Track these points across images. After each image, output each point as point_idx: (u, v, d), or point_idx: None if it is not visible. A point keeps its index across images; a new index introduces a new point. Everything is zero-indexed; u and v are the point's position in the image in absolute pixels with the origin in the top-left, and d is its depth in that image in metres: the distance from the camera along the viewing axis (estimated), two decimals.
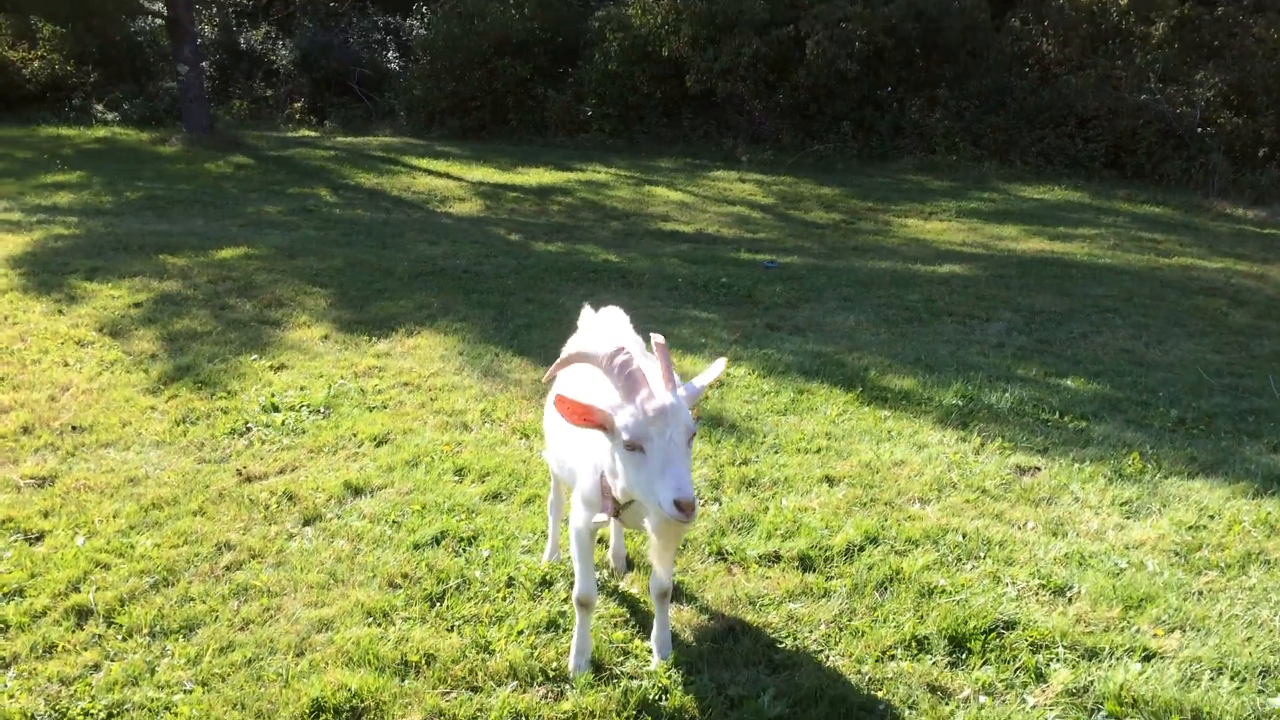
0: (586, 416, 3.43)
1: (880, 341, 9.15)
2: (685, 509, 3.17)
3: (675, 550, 3.76)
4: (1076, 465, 6.10)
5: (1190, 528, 5.26)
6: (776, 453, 6.22)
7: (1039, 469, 6.10)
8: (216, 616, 4.41)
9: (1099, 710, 3.74)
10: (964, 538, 5.10)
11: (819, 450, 6.27)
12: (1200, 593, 4.61)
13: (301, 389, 7.26)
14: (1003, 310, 10.54)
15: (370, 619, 4.37)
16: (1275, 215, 18.26)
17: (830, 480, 5.83)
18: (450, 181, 18.35)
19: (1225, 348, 9.52)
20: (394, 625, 4.31)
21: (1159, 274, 12.86)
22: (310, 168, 19.65)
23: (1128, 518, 5.46)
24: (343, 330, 8.80)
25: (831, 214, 16.81)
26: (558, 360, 3.61)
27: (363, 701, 3.77)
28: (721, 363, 3.71)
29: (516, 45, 24.77)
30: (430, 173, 19.19)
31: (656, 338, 3.65)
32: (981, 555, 4.94)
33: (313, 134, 25.80)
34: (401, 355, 8.17)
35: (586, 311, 4.80)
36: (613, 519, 3.77)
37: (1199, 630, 4.28)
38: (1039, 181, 20.20)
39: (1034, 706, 3.77)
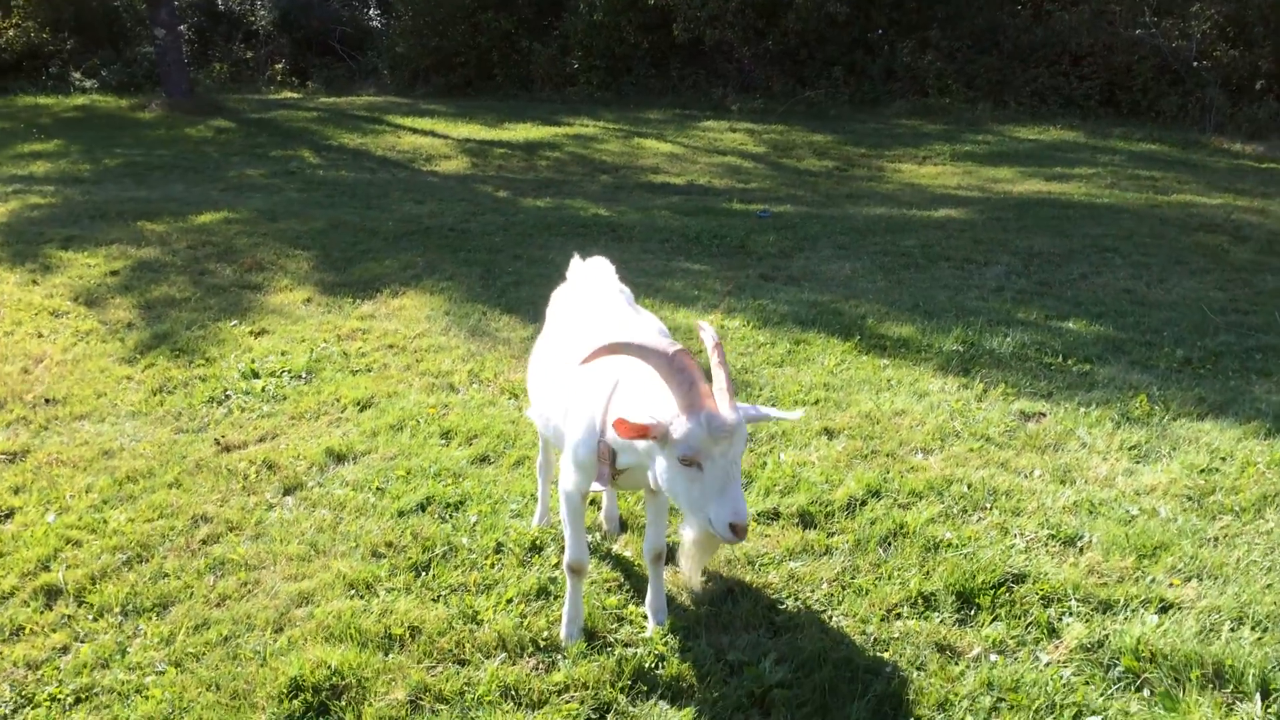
0: (643, 434, 3.13)
1: (877, 289, 8.93)
2: (740, 532, 3.02)
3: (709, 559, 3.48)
4: (1082, 409, 5.91)
5: (1202, 471, 5.08)
6: (774, 405, 6.02)
7: (1044, 414, 5.91)
8: (191, 593, 4.22)
9: (1115, 665, 3.57)
10: (969, 488, 4.91)
11: (817, 401, 6.08)
12: (1216, 539, 4.43)
13: (283, 354, 7.05)
14: (1001, 253, 10.33)
15: (352, 591, 4.18)
16: (1273, 149, 17.99)
17: (829, 432, 5.64)
18: (436, 139, 18.01)
19: (1228, 284, 9.33)
20: (377, 597, 4.12)
21: (1158, 212, 12.65)
22: (293, 130, 19.29)
23: (1137, 462, 5.27)
24: (325, 293, 8.57)
25: (824, 161, 16.53)
26: (605, 344, 3.26)
27: (344, 679, 3.59)
28: (798, 414, 3.47)
29: None
30: (415, 131, 18.84)
31: (708, 331, 3.39)
32: (988, 506, 4.76)
33: (295, 95, 25.36)
34: (386, 317, 7.94)
35: (575, 261, 4.59)
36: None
37: (1216, 579, 4.10)
38: (1034, 122, 19.90)
39: (1047, 664, 3.60)
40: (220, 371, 6.72)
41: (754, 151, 17.34)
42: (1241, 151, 17.88)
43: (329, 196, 13.12)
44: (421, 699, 3.52)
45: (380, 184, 14.14)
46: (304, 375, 6.65)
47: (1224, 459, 5.23)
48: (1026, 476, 5.09)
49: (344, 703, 3.51)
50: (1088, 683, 3.52)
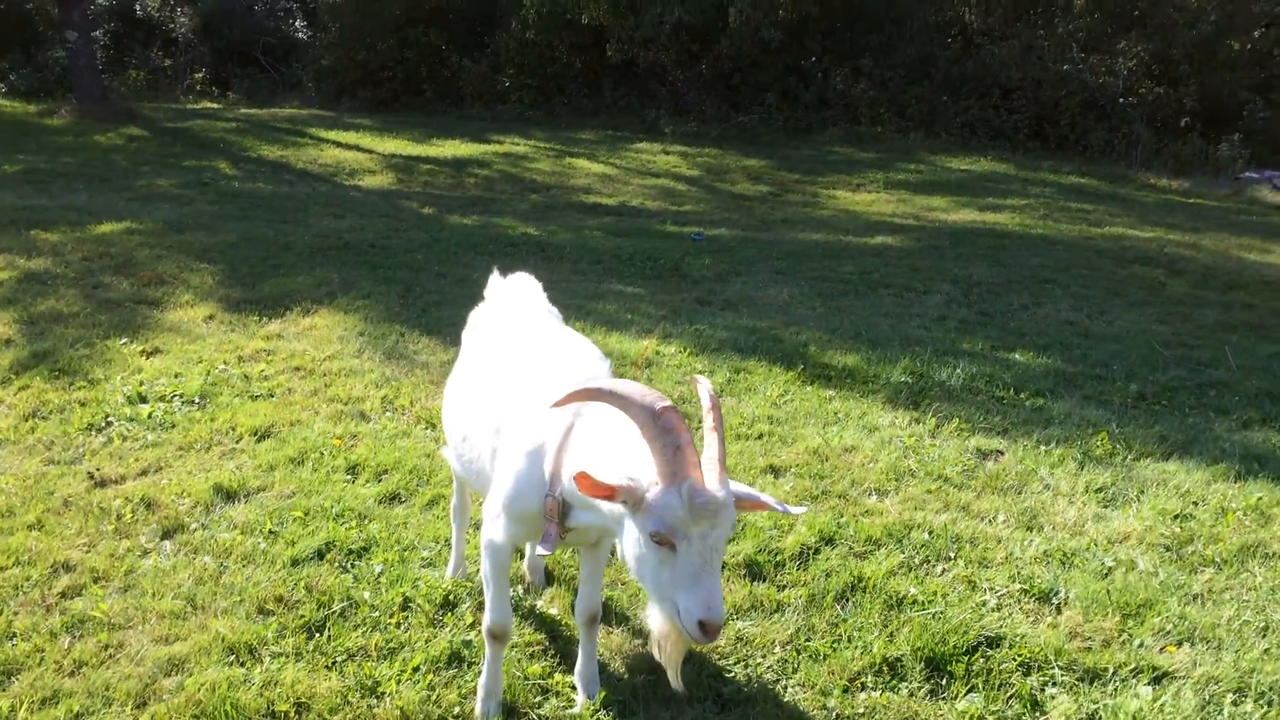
0: (610, 495, 2.61)
1: (817, 316, 8.56)
2: (711, 633, 2.52)
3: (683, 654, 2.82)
4: (1042, 447, 5.55)
5: (1176, 517, 4.72)
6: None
7: (1002, 453, 5.53)
8: (42, 658, 3.60)
9: None
10: (930, 535, 4.48)
11: (760, 436, 5.62)
12: (1201, 595, 4.06)
13: (176, 376, 6.40)
14: (940, 282, 10.07)
15: (232, 657, 3.60)
16: (1199, 185, 18.19)
17: (775, 470, 5.19)
18: (360, 154, 17.35)
19: (1169, 318, 9.18)
20: (261, 664, 3.54)
21: (1092, 244, 12.58)
22: (209, 140, 18.47)
23: (1105, 506, 4.90)
24: (230, 310, 7.92)
25: (759, 186, 16.25)
26: (581, 388, 2.74)
27: None
28: (800, 510, 2.83)
29: (430, 12, 23.71)
30: (339, 145, 18.15)
31: (704, 386, 2.86)
32: (952, 556, 4.33)
33: (215, 105, 24.45)
34: (295, 337, 7.33)
35: (495, 278, 4.09)
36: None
37: (1209, 642, 3.71)
38: (965, 153, 19.91)
39: None
40: (103, 395, 6.06)
41: (687, 174, 17.00)
42: (1168, 187, 18.03)
43: (243, 209, 12.42)
44: None
45: (299, 198, 13.46)
46: (197, 400, 6.02)
47: (1195, 503, 4.89)
48: (990, 522, 4.68)
49: None
50: None
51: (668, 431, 2.57)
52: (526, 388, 3.13)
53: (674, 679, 2.81)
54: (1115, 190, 17.18)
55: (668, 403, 2.62)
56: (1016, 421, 6.00)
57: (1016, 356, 7.51)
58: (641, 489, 2.59)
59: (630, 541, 2.66)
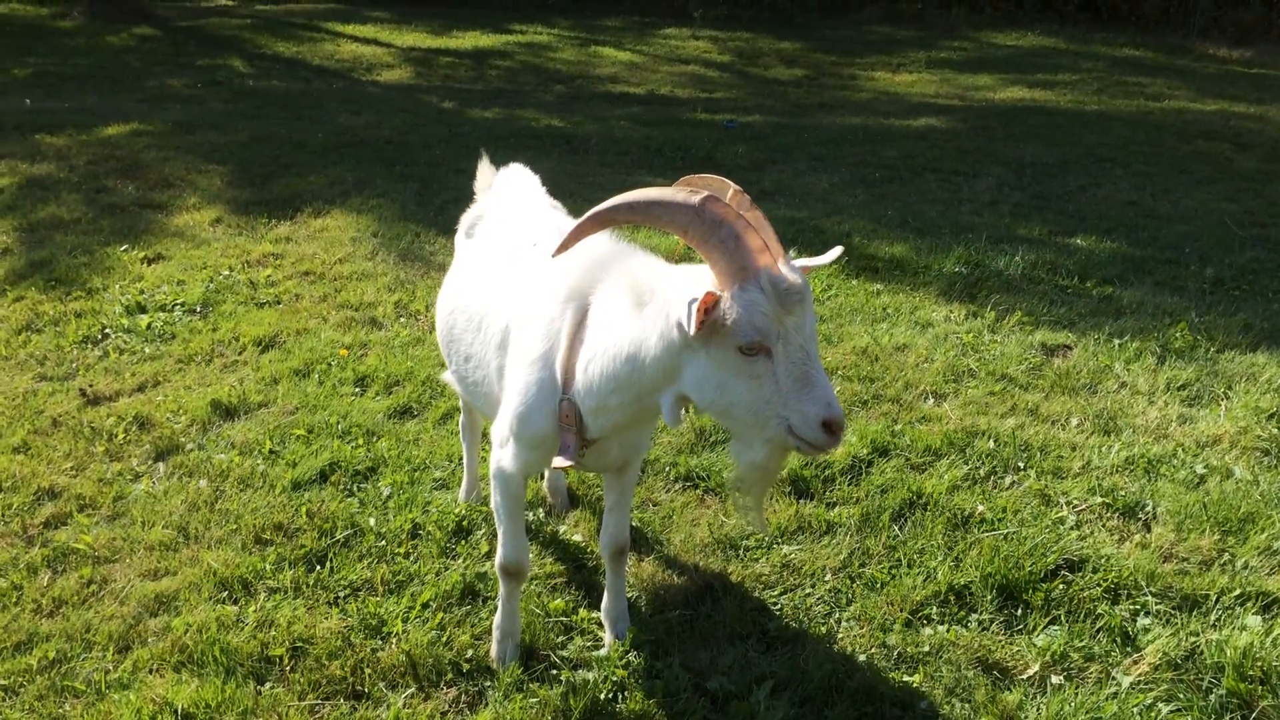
0: (710, 309, 2.15)
1: (860, 203, 8.02)
2: (838, 432, 2.19)
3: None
4: (1115, 341, 5.04)
5: (1271, 416, 4.23)
6: None
7: (1070, 348, 5.04)
8: (19, 596, 3.28)
9: (1215, 688, 2.73)
10: (996, 443, 4.03)
11: None
12: None
13: (178, 284, 6.01)
14: (990, 164, 9.45)
15: (225, 593, 3.25)
16: (1262, 54, 17.15)
17: None
18: (378, 48, 16.69)
19: (1238, 195, 8.55)
20: (255, 601, 3.20)
21: (1152, 119, 11.84)
22: (223, 38, 17.86)
23: (1190, 405, 4.42)
24: (238, 212, 7.50)
25: (793, 70, 15.48)
26: (589, 217, 2.29)
27: None
28: (838, 250, 2.48)
29: None
30: (356, 39, 17.48)
31: (719, 183, 2.37)
32: (1022, 466, 3.88)
33: (229, 3, 23.64)
34: (305, 239, 6.91)
35: (484, 166, 3.60)
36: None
37: None
38: (1011, 28, 18.92)
39: (1130, 688, 2.75)
40: (101, 305, 5.69)
41: (718, 60, 16.22)
42: (1229, 57, 17.02)
43: (256, 108, 11.92)
44: None
45: (314, 95, 12.92)
46: (199, 309, 5.64)
47: None
48: (1063, 426, 4.22)
49: None
50: (1182, 713, 2.68)
51: (718, 224, 2.17)
52: (534, 289, 2.67)
53: (759, 522, 2.55)
54: (1173, 62, 16.23)
55: (704, 192, 2.18)
56: (1084, 313, 5.48)
57: (1078, 241, 6.95)
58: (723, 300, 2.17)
59: (709, 380, 2.25)
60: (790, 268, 2.22)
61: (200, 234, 7.02)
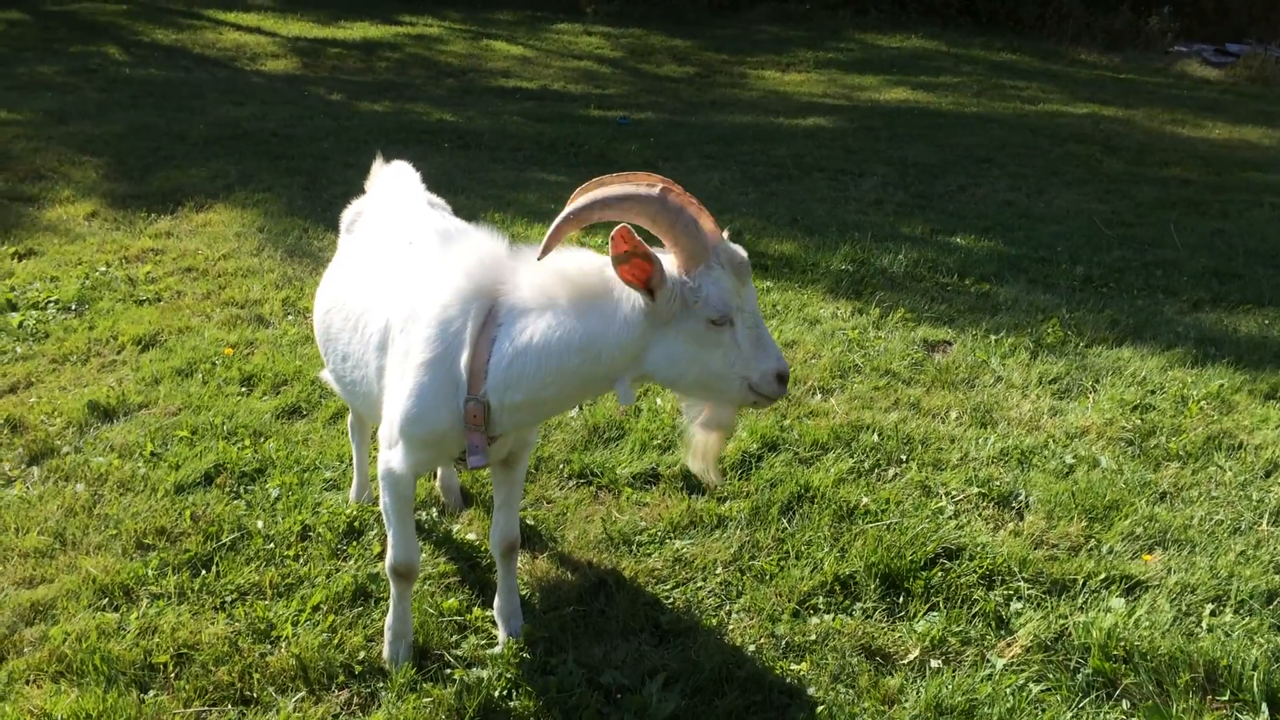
0: (645, 277, 2.35)
1: (750, 201, 8.15)
2: (785, 380, 2.48)
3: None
4: (991, 336, 5.24)
5: (1135, 408, 4.46)
6: None
7: (950, 343, 5.22)
8: None
9: (1082, 668, 2.88)
10: (880, 437, 4.16)
11: None
12: (1167, 493, 3.80)
13: (51, 280, 5.79)
14: (875, 164, 9.71)
15: (105, 599, 3.16)
16: (1130, 60, 17.94)
17: None
18: (262, 37, 16.25)
19: (1107, 196, 8.95)
20: (138, 607, 3.12)
21: (1027, 121, 12.30)
22: (98, 24, 17.17)
23: (1060, 398, 4.62)
24: (115, 206, 7.25)
25: (685, 67, 15.60)
26: (561, 221, 2.39)
27: None
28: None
29: None
30: (239, 27, 16.99)
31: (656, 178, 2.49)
32: (904, 459, 4.02)
33: None
34: (187, 234, 6.72)
35: (377, 164, 3.59)
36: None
37: (1181, 545, 3.45)
38: (895, 30, 19.36)
39: (1004, 669, 2.88)
40: None
41: (610, 56, 16.26)
42: (1099, 62, 17.75)
43: (133, 97, 11.50)
44: None
45: (195, 84, 12.53)
46: (74, 307, 5.44)
47: (1154, 392, 4.63)
48: (943, 420, 4.37)
49: None
50: (1051, 691, 2.82)
51: (680, 211, 2.35)
52: (416, 289, 2.66)
53: (716, 476, 2.85)
54: (1047, 66, 16.86)
55: (661, 183, 2.36)
56: (963, 309, 5.69)
57: (958, 240, 7.20)
58: (683, 282, 2.37)
59: (682, 355, 2.44)
60: (732, 245, 2.42)
61: (75, 228, 6.77)
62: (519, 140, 9.98)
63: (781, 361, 2.44)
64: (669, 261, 2.39)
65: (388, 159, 3.66)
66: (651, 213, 2.34)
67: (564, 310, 2.45)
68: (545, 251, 2.43)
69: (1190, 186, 9.34)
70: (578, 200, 2.41)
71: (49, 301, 5.50)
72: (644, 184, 2.36)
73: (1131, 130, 12.10)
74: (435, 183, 3.75)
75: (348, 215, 3.40)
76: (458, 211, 3.41)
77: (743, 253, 2.41)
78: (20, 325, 5.21)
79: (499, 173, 8.71)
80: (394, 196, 3.28)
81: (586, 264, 2.48)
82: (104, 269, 6.00)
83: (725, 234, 2.43)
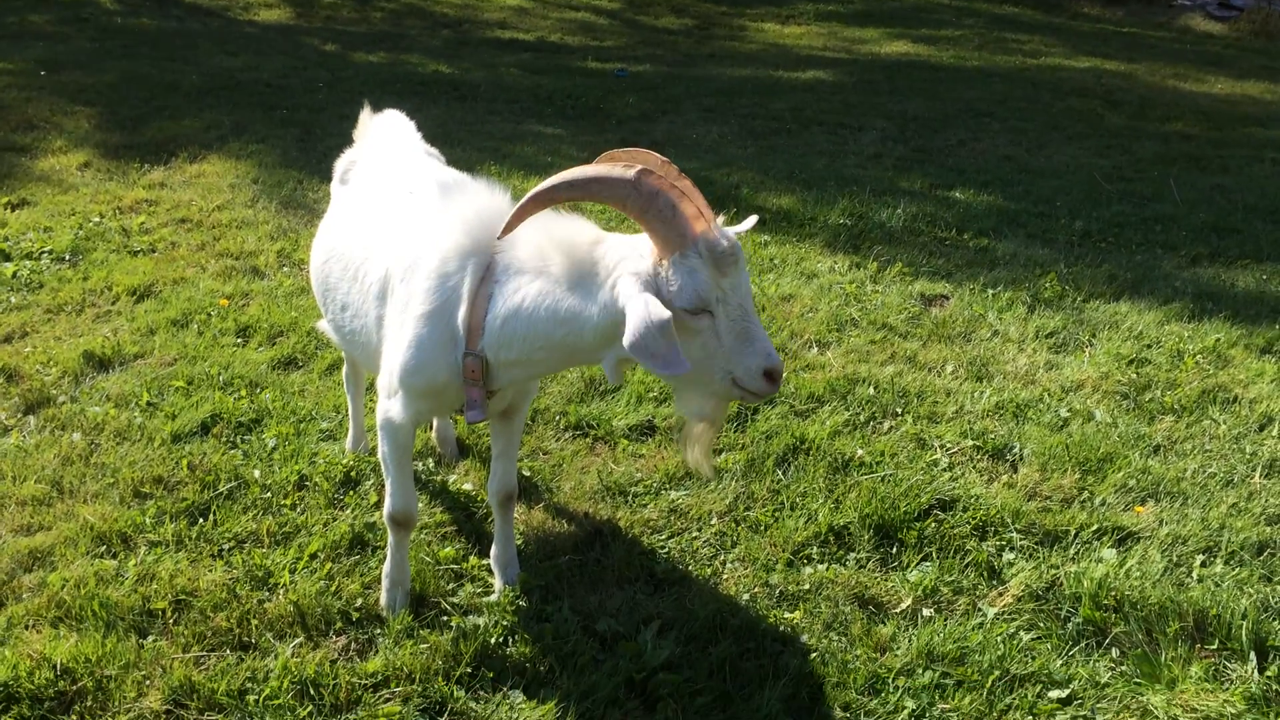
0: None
1: (749, 155, 8.10)
2: (778, 379, 2.36)
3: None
4: (989, 291, 5.24)
5: (1131, 362, 4.46)
6: None
7: (947, 297, 5.22)
8: None
9: (1073, 617, 2.91)
10: (876, 390, 4.16)
11: None
12: (1162, 447, 3.81)
13: (45, 230, 5.77)
14: (875, 118, 9.63)
15: (103, 547, 3.18)
16: (1133, 13, 17.78)
17: None
18: None
19: (1108, 151, 8.88)
20: (136, 555, 3.13)
21: (1028, 75, 12.19)
22: None
23: (1057, 352, 4.63)
24: (108, 156, 7.21)
25: (683, 19, 15.45)
26: (530, 197, 2.33)
27: (76, 682, 2.63)
28: (753, 219, 2.63)
29: None
30: None
31: (652, 156, 2.42)
32: (899, 412, 4.02)
33: None
34: (181, 185, 6.68)
35: (365, 115, 3.55)
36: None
37: (1174, 498, 3.47)
38: None
39: (995, 618, 2.90)
40: None
41: (608, 8, 16.09)
42: (1102, 15, 17.59)
43: (125, 47, 11.38)
44: (185, 705, 2.60)
45: (188, 34, 12.40)
46: (68, 257, 5.42)
47: (1150, 346, 4.63)
48: (938, 373, 4.38)
49: (73, 718, 2.56)
50: (1041, 640, 2.84)
51: (654, 195, 2.25)
52: (416, 239, 2.65)
53: (709, 469, 2.76)
54: (1049, 20, 16.71)
55: (638, 166, 2.28)
56: (961, 264, 5.68)
57: (957, 194, 7.16)
58: (648, 271, 2.31)
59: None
60: (722, 232, 2.31)
61: (68, 179, 6.73)
62: (515, 92, 9.89)
63: (772, 358, 2.32)
64: (647, 247, 2.34)
65: (384, 110, 3.62)
66: (621, 197, 2.28)
67: (555, 279, 2.43)
68: (507, 231, 2.39)
69: (1191, 141, 9.28)
70: (547, 181, 2.35)
71: (43, 252, 5.48)
72: (618, 168, 2.28)
73: (1133, 85, 11.99)
74: (431, 134, 3.73)
75: (341, 164, 3.38)
76: (454, 163, 3.38)
77: (726, 242, 2.29)
78: (14, 275, 5.19)
79: (496, 125, 8.64)
80: (391, 145, 3.25)
81: (581, 236, 2.44)
82: (98, 219, 5.97)
83: (720, 219, 2.34)
